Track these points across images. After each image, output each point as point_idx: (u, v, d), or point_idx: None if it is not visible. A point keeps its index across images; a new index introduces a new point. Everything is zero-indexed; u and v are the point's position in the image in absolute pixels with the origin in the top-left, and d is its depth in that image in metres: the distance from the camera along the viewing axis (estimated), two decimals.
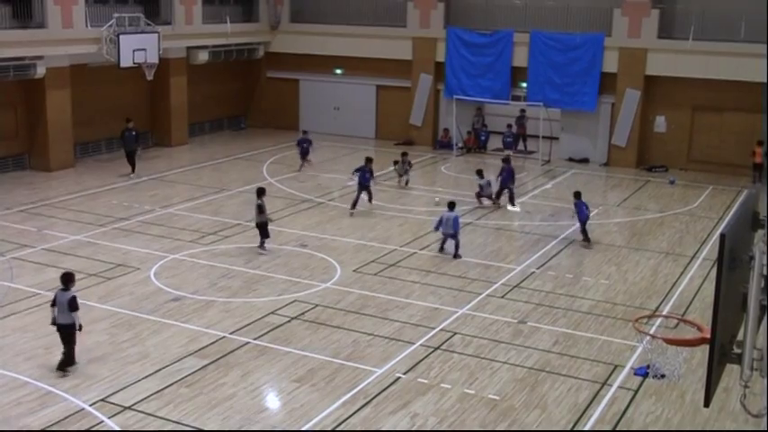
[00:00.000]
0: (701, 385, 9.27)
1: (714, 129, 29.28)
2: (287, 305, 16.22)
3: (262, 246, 19.37)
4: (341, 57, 34.02)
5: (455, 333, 15.08)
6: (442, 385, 13.05)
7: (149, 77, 28.93)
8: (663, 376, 12.44)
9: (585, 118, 30.84)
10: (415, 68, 32.92)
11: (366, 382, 13.08)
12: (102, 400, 12.34)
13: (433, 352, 14.28)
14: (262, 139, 33.65)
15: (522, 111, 32.10)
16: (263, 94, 36.33)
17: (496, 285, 17.64)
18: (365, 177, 22.93)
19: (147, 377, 13.10)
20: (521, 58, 31.07)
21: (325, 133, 34.33)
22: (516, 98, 31.64)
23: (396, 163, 26.62)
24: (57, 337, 13.26)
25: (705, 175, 28.66)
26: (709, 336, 6.72)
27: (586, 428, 11.96)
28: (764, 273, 6.73)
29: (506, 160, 24.44)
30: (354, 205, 22.66)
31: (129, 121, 26.67)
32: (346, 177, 25.37)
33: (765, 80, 26.00)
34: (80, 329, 13.22)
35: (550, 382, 13.27)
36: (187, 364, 13.55)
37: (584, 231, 20.51)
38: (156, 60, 28.72)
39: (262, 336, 14.75)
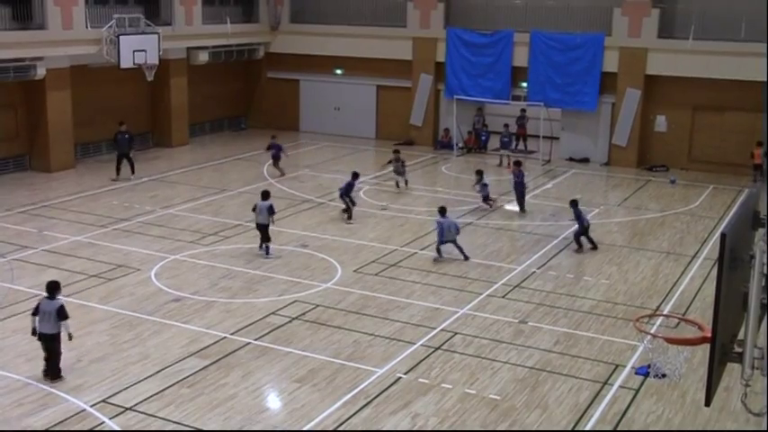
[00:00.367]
0: (702, 384, 9.25)
1: (715, 128, 29.26)
2: (288, 305, 16.22)
3: (268, 251, 19.16)
4: (341, 57, 34.03)
5: (456, 333, 15.07)
6: (443, 385, 13.05)
7: (150, 78, 28.90)
8: (664, 376, 12.42)
9: (586, 118, 30.84)
10: (415, 68, 32.92)
11: (367, 383, 13.08)
12: (103, 400, 12.34)
13: (433, 352, 14.28)
14: (262, 139, 33.43)
15: (523, 111, 32.08)
16: (264, 95, 36.33)
17: (497, 285, 17.63)
18: (348, 189, 22.35)
19: (147, 378, 13.10)
20: (521, 58, 31.07)
21: (325, 133, 34.38)
22: (517, 98, 31.62)
23: (389, 162, 26.45)
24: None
25: (706, 175, 28.64)
26: (709, 335, 6.74)
27: (587, 428, 11.95)
28: (765, 272, 6.74)
29: (518, 163, 24.25)
30: (350, 216, 22.25)
31: (121, 123, 26.44)
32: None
33: (766, 79, 25.98)
34: (70, 339, 12.95)
35: (551, 382, 13.27)
36: (188, 365, 13.55)
37: (587, 237, 20.33)
38: (156, 61, 28.71)
39: (262, 336, 14.75)
